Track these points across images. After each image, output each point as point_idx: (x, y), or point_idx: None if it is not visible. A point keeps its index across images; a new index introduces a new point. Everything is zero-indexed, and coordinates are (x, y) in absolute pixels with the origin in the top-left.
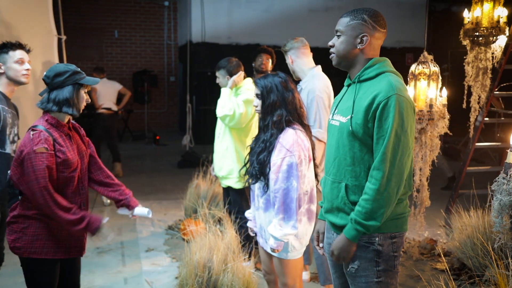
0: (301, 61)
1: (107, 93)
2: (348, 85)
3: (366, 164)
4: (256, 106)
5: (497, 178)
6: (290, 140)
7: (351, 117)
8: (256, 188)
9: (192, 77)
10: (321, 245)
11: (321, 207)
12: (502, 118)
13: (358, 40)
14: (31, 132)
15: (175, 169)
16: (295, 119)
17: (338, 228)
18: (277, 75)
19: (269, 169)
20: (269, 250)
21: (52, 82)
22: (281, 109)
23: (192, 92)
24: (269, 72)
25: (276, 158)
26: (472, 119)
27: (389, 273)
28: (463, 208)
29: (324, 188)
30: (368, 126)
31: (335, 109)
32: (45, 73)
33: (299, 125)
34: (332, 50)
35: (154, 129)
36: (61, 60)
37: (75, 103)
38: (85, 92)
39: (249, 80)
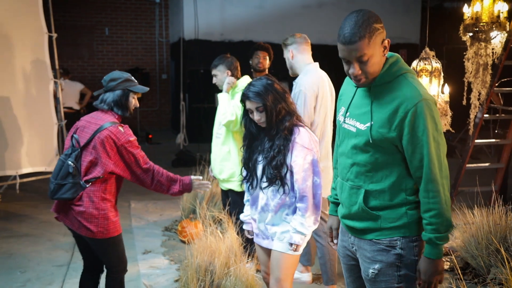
0: (302, 57)
1: (69, 93)
2: (358, 87)
3: (389, 168)
4: (260, 119)
5: None
6: (306, 138)
7: (371, 125)
8: (270, 191)
9: (185, 74)
10: (335, 241)
11: (331, 202)
12: (503, 115)
13: (382, 49)
14: (120, 128)
15: (170, 168)
16: (300, 120)
17: (359, 232)
18: (266, 79)
19: (286, 170)
20: (279, 247)
21: (107, 85)
22: (288, 113)
23: (185, 90)
24: (267, 71)
25: (297, 158)
26: (472, 116)
27: (410, 278)
28: (466, 206)
29: (342, 193)
30: (391, 135)
31: (346, 112)
32: (104, 77)
33: (303, 123)
34: (360, 76)
35: (147, 127)
36: (52, 58)
37: (123, 105)
38: (134, 98)
39: (246, 77)
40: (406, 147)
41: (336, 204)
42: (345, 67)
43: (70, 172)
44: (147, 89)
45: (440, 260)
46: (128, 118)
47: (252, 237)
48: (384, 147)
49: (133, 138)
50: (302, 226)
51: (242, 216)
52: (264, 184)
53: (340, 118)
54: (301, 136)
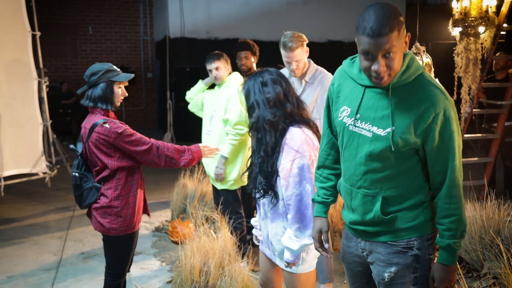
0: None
1: None
2: (367, 86)
3: (407, 173)
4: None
5: None
6: (298, 140)
7: (393, 130)
8: (265, 198)
9: (171, 73)
10: (326, 245)
11: (318, 202)
12: (488, 110)
13: (404, 46)
14: (105, 125)
15: (158, 168)
16: (295, 117)
17: (371, 235)
18: (258, 74)
19: (277, 176)
20: (281, 265)
21: (89, 80)
22: (273, 108)
23: (171, 88)
24: (255, 70)
25: (285, 162)
26: (462, 111)
27: (424, 279)
28: None
29: (352, 200)
30: (415, 141)
31: (356, 114)
32: (85, 73)
33: (303, 122)
34: (384, 74)
35: (133, 127)
36: (35, 57)
37: (108, 98)
38: (120, 87)
39: (235, 73)
40: (429, 152)
41: (325, 204)
42: (365, 64)
43: (79, 183)
44: (132, 75)
45: (455, 266)
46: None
47: (258, 243)
48: (405, 152)
49: (122, 129)
50: (290, 240)
51: (252, 221)
52: (258, 194)
53: (345, 119)
54: (292, 136)
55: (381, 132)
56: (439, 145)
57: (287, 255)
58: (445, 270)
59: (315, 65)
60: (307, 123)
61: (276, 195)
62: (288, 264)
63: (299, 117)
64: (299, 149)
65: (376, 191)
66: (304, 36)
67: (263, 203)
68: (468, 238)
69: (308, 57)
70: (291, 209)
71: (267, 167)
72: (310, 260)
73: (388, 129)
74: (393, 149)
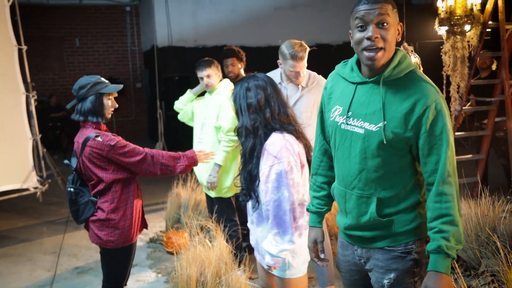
0: None
1: None
2: (359, 83)
3: (402, 172)
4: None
5: None
6: (278, 145)
7: (384, 125)
8: (250, 202)
9: (160, 82)
10: (322, 256)
11: (312, 212)
12: (483, 107)
13: (397, 32)
14: (98, 138)
15: (151, 178)
16: (275, 122)
17: (368, 241)
18: (245, 80)
19: (258, 181)
20: (265, 267)
21: (78, 94)
22: (253, 114)
23: (161, 98)
24: (243, 76)
25: (264, 167)
26: (452, 109)
27: (420, 283)
28: None
29: (346, 203)
30: (408, 135)
31: (347, 112)
32: (73, 86)
33: (284, 128)
34: (377, 41)
35: (123, 138)
36: (22, 71)
37: (98, 111)
38: (110, 99)
39: (226, 80)
40: (422, 146)
41: (319, 214)
42: (359, 35)
43: (74, 198)
44: (121, 86)
45: (449, 277)
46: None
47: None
48: (398, 148)
49: (114, 141)
50: (270, 245)
51: (249, 225)
52: (242, 198)
53: (337, 118)
54: (272, 142)
55: (373, 127)
56: (430, 138)
57: (268, 259)
58: (439, 278)
59: (308, 70)
60: (289, 129)
61: (258, 200)
62: (269, 268)
63: (279, 123)
64: (278, 155)
65: (370, 192)
66: (304, 43)
67: (248, 208)
68: (465, 237)
69: None
70: (270, 214)
71: (247, 171)
72: (298, 265)
73: (380, 124)
74: (385, 142)
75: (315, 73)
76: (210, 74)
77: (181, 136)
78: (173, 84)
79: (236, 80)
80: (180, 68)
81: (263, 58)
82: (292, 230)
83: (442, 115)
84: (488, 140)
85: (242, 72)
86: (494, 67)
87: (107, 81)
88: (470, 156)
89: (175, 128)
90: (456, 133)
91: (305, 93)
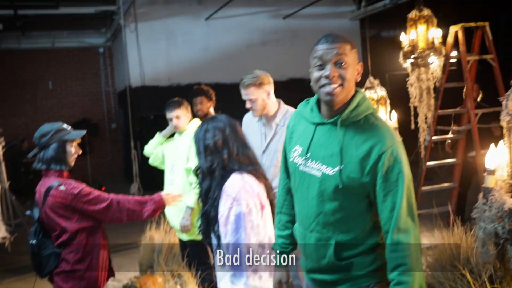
0: (273, 95)
1: None
2: (318, 124)
3: (360, 216)
4: None
5: (476, 205)
6: (236, 187)
7: (340, 169)
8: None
9: (134, 122)
10: None
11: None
12: (446, 136)
13: (356, 72)
14: (61, 187)
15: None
16: (233, 163)
17: (330, 284)
18: (206, 121)
19: (216, 223)
20: None
21: (39, 142)
22: (210, 156)
23: (136, 137)
24: (212, 114)
25: (223, 209)
26: (421, 139)
27: None
28: (426, 230)
29: (306, 246)
30: (364, 180)
31: (306, 153)
32: (34, 135)
33: (244, 169)
34: (336, 79)
35: (99, 179)
36: None
37: (61, 158)
38: (73, 146)
39: (196, 120)
40: (378, 193)
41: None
42: (317, 74)
43: (36, 251)
44: (84, 132)
45: None
46: (79, 172)
47: None
48: (355, 193)
49: (78, 189)
50: (225, 285)
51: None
52: (202, 238)
53: (296, 160)
54: (231, 183)
55: (329, 171)
56: (386, 185)
57: None
58: None
59: (285, 106)
60: (248, 169)
61: (219, 241)
62: None
63: (238, 163)
64: (236, 196)
65: (329, 235)
66: (265, 78)
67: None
68: (440, 268)
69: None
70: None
71: (203, 213)
72: None
73: (337, 168)
74: (340, 186)
75: (293, 110)
76: (179, 115)
77: (157, 176)
78: (148, 123)
79: (204, 118)
80: (155, 107)
81: (237, 95)
82: (247, 273)
83: (399, 161)
84: (460, 169)
85: (211, 110)
86: (479, 98)
87: (69, 127)
88: (442, 185)
89: (151, 168)
90: (428, 163)
91: (279, 131)
